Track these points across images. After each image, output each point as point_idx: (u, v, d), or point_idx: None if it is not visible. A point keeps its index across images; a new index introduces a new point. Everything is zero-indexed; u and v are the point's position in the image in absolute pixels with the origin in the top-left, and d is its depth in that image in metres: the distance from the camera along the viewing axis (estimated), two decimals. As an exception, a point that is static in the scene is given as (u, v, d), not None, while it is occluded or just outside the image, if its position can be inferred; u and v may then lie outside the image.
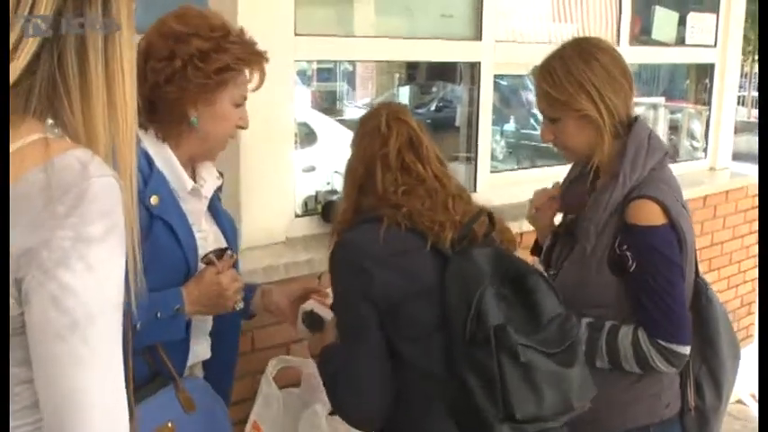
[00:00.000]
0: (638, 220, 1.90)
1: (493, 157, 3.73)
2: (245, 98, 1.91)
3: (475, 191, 3.41)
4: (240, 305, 1.88)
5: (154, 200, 1.73)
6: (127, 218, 0.99)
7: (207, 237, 1.92)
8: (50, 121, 1.00)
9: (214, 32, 1.80)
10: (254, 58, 1.87)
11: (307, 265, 2.60)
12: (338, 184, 3.22)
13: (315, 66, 14.89)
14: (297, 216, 2.86)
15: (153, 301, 1.64)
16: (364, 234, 1.79)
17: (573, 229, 2.07)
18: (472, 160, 3.50)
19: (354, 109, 15.94)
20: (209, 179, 1.95)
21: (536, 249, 2.34)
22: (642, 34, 4.30)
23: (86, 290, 0.93)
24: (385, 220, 1.77)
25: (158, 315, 1.69)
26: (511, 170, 4.14)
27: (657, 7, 4.31)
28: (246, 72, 1.88)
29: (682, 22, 4.40)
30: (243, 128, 1.94)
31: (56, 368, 0.94)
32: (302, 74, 12.09)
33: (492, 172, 3.59)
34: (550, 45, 2.07)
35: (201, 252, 1.84)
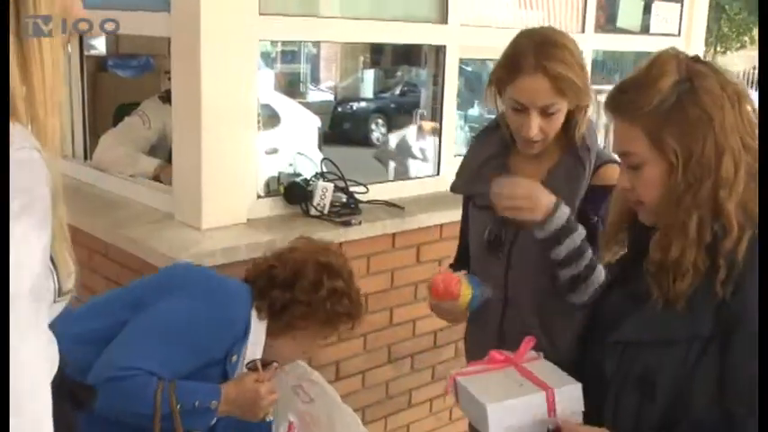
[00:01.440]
0: (608, 182, 1.95)
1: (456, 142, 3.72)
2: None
3: (438, 174, 3.41)
4: (270, 418, 1.98)
5: (233, 359, 1.91)
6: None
7: None
8: None
9: (350, 277, 2.04)
10: (360, 313, 2.07)
11: (268, 247, 2.57)
12: (301, 166, 3.20)
13: (279, 48, 14.80)
14: (259, 197, 2.83)
15: (195, 388, 1.79)
16: None
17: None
18: (436, 144, 3.49)
19: (318, 92, 15.88)
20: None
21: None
22: (607, 23, 4.31)
23: None
24: None
25: (196, 404, 1.77)
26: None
27: (623, -5, 4.33)
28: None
29: (647, 11, 4.42)
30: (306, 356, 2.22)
31: None
32: (266, 56, 12.00)
33: (456, 156, 3.59)
34: (516, 31, 2.03)
35: None
